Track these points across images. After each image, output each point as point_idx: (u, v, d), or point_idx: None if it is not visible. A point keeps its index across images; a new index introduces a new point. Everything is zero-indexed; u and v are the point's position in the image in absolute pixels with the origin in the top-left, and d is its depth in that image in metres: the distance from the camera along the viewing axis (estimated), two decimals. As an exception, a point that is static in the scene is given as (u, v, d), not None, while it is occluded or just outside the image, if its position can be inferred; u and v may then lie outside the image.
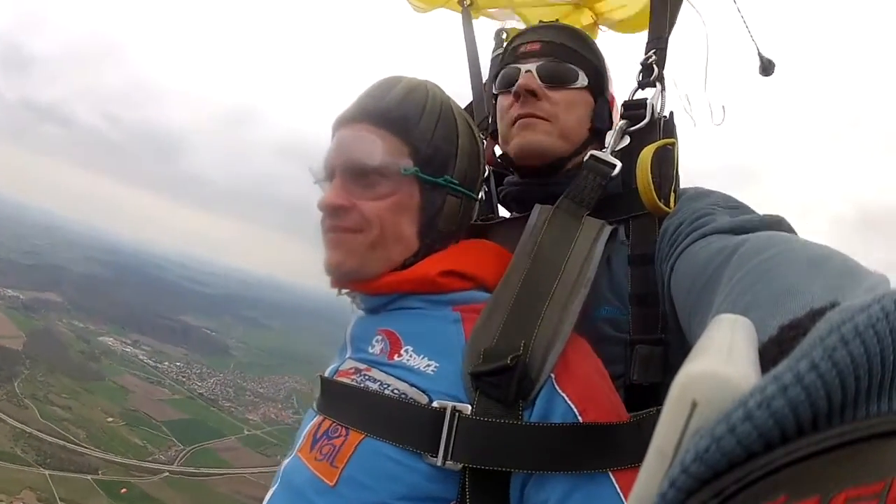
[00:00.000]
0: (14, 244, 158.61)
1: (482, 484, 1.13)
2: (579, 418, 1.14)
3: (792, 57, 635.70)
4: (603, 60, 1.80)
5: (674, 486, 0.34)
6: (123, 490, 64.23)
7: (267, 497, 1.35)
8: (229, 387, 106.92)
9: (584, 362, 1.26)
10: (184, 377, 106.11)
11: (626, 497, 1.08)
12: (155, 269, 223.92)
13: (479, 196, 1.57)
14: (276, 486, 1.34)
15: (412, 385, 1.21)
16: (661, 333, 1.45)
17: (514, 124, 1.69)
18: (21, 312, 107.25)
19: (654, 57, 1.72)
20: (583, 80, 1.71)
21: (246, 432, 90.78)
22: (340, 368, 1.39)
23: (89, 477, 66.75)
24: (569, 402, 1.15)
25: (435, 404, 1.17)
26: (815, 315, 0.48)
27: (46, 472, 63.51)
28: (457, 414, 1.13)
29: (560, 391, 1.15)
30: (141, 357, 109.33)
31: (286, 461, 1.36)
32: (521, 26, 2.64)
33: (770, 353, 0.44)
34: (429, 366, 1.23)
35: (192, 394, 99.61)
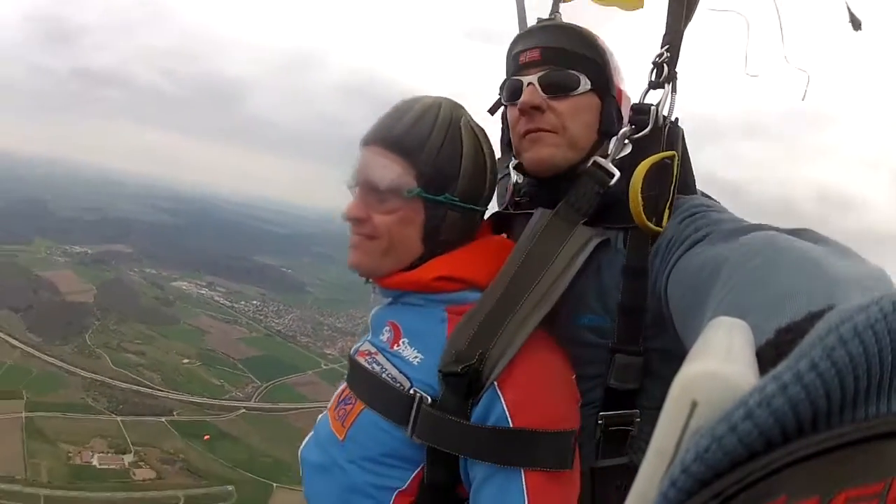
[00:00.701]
0: (79, 203, 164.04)
1: (439, 454, 1.43)
2: (509, 422, 1.37)
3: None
4: (605, 55, 1.74)
5: (675, 485, 0.34)
6: (206, 437, 64.22)
7: (305, 440, 1.72)
8: (307, 322, 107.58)
9: (532, 372, 1.44)
10: (261, 315, 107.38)
11: (529, 493, 1.33)
12: (224, 213, 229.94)
13: (485, 209, 1.72)
14: (310, 434, 1.72)
15: (401, 372, 1.51)
16: (642, 345, 1.55)
17: (522, 138, 1.73)
18: (90, 266, 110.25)
19: (666, 55, 1.68)
20: (585, 83, 1.68)
21: (324, 366, 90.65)
22: (360, 349, 1.69)
23: (163, 419, 67.35)
24: (504, 406, 1.38)
25: (411, 391, 1.46)
26: (813, 318, 0.48)
27: (118, 419, 64.46)
28: (422, 402, 1.42)
29: (500, 396, 1.39)
30: (216, 298, 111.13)
31: (321, 415, 1.73)
32: None
33: (767, 356, 0.44)
34: (416, 357, 1.52)
35: (269, 331, 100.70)
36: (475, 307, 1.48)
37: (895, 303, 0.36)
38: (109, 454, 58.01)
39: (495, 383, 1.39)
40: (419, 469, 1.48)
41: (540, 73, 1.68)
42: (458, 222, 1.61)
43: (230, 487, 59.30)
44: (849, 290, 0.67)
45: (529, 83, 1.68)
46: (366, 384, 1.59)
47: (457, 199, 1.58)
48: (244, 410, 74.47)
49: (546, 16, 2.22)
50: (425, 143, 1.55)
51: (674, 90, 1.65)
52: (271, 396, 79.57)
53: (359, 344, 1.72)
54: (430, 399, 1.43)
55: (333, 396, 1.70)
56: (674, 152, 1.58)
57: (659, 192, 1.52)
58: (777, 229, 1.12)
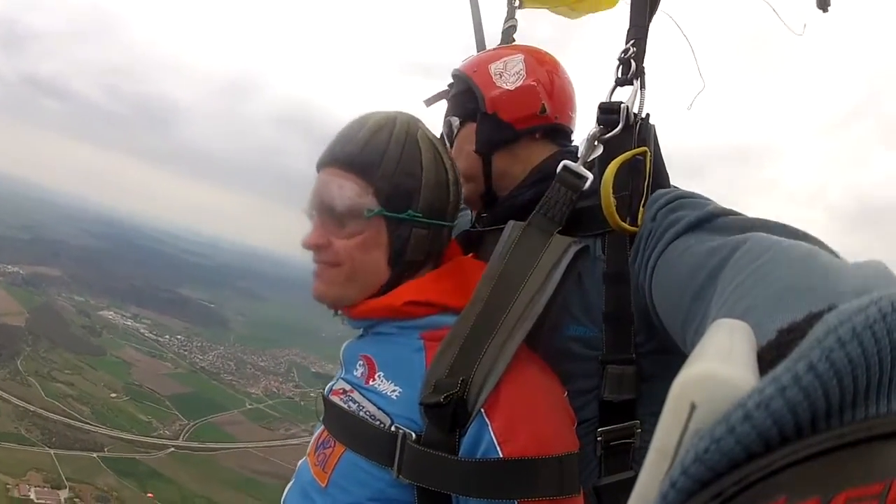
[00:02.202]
0: (12, 220, 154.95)
1: (429, 493, 1.32)
2: (499, 451, 1.27)
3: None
4: (470, 80, 1.80)
5: (674, 487, 0.34)
6: (150, 494, 62.00)
7: (286, 489, 1.59)
8: (230, 360, 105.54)
9: (520, 395, 1.34)
10: (185, 350, 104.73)
11: None
12: (151, 241, 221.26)
13: (453, 224, 1.60)
14: (293, 481, 1.59)
15: (380, 408, 1.40)
16: (633, 352, 1.47)
17: None
18: (22, 288, 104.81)
19: (632, 50, 1.63)
20: (454, 122, 1.84)
21: (248, 406, 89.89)
22: (335, 387, 1.57)
23: (95, 455, 65.23)
24: (493, 435, 1.28)
25: (393, 428, 1.35)
26: (813, 318, 0.48)
27: (52, 452, 61.89)
28: (406, 440, 1.32)
29: (488, 424, 1.29)
30: (142, 331, 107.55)
31: (301, 461, 1.60)
32: None
33: (768, 357, 0.43)
34: (394, 391, 1.41)
35: (193, 367, 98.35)
36: (453, 331, 1.38)
37: (894, 303, 0.36)
38: (46, 489, 55.52)
39: (482, 410, 1.29)
40: None
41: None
42: (425, 240, 1.50)
43: (165, 529, 58.65)
44: (849, 289, 0.66)
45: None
46: (344, 425, 1.47)
47: (420, 214, 1.47)
48: (173, 449, 73.03)
49: (501, 24, 2.31)
50: (382, 158, 1.45)
51: (642, 86, 1.59)
52: (198, 435, 78.15)
53: (332, 383, 1.60)
54: (413, 435, 1.32)
55: (312, 440, 1.58)
56: (645, 149, 1.49)
57: (632, 191, 1.46)
58: (764, 222, 1.10)
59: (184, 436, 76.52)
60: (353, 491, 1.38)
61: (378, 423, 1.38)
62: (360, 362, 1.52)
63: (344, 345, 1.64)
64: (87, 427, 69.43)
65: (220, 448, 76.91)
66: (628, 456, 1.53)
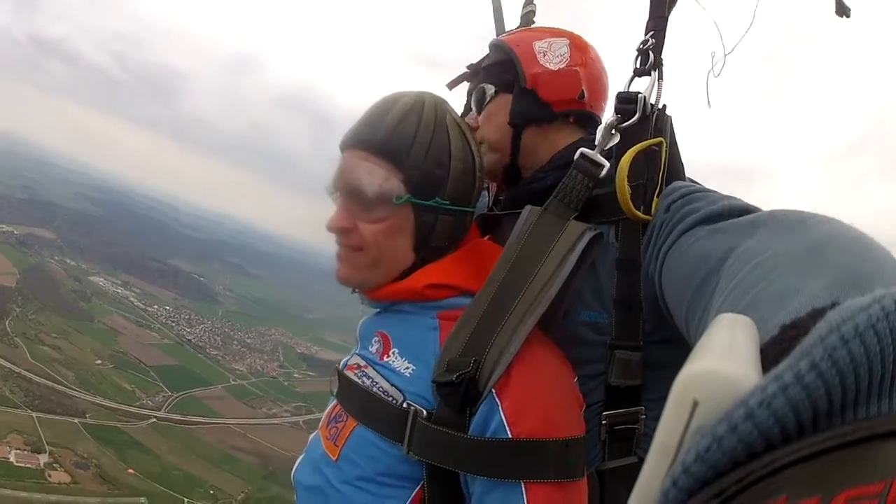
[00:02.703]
0: (10, 179, 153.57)
1: (438, 470, 1.33)
2: (508, 431, 1.27)
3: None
4: (512, 53, 1.77)
5: (676, 485, 0.34)
6: (130, 471, 61.66)
7: (297, 462, 1.59)
8: (217, 335, 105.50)
9: (530, 377, 1.34)
10: (173, 322, 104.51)
11: None
12: (145, 209, 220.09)
13: (474, 208, 1.61)
14: (303, 455, 1.59)
15: (393, 385, 1.41)
16: (641, 339, 1.49)
17: None
18: (16, 248, 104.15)
19: (651, 41, 1.64)
20: (489, 90, 1.80)
21: (232, 381, 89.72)
22: (349, 362, 1.58)
23: (76, 420, 65.15)
24: (503, 415, 1.28)
25: (405, 405, 1.36)
26: (817, 314, 0.47)
27: (34, 415, 61.70)
28: (417, 417, 1.33)
29: (498, 404, 1.29)
30: (131, 299, 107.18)
31: (312, 435, 1.60)
32: None
33: (772, 353, 0.43)
34: (408, 368, 1.41)
35: (180, 340, 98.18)
36: (467, 312, 1.39)
37: None
38: (26, 452, 55.54)
39: (493, 390, 1.29)
40: (419, 487, 1.36)
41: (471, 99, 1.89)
42: (450, 226, 1.51)
43: (143, 500, 58.41)
44: (854, 284, 0.65)
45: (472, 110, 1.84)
46: (357, 400, 1.48)
47: (447, 202, 1.47)
48: (155, 420, 72.87)
49: (519, 9, 2.33)
50: (412, 144, 1.43)
51: (660, 77, 1.61)
52: (180, 407, 78.13)
53: (347, 357, 1.61)
54: (425, 412, 1.32)
55: (324, 414, 1.59)
56: (661, 139, 1.51)
57: (647, 181, 1.46)
58: (773, 213, 1.10)
59: (166, 407, 76.51)
60: (363, 465, 1.39)
61: (391, 399, 1.39)
62: (376, 338, 1.52)
63: (361, 320, 1.64)
64: (70, 392, 69.28)
65: (202, 422, 76.92)
66: (632, 442, 1.54)
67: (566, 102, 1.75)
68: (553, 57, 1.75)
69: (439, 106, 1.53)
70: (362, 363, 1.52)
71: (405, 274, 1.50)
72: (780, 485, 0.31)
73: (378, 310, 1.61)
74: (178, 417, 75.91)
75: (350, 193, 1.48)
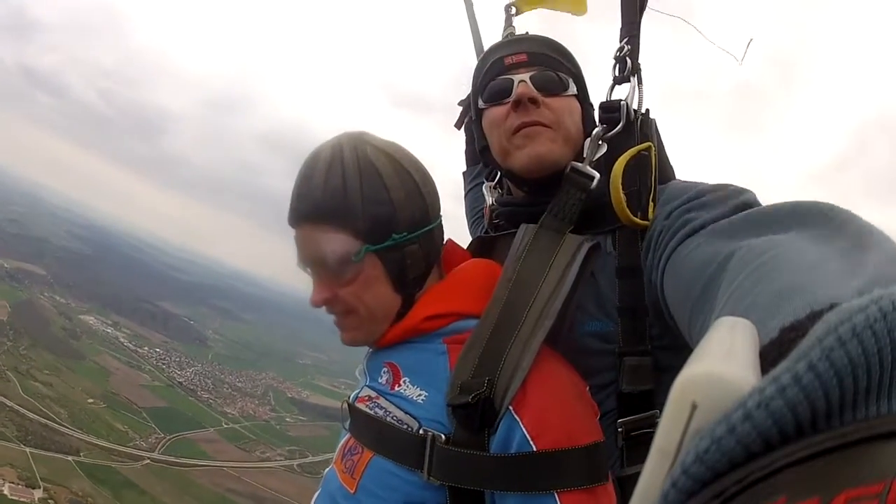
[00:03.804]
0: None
1: (461, 494, 1.31)
2: (532, 446, 1.26)
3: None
4: (580, 68, 1.74)
5: (675, 486, 0.34)
6: None
7: (314, 498, 1.57)
8: (207, 378, 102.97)
9: (546, 390, 1.34)
10: (163, 364, 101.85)
11: None
12: (132, 249, 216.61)
13: (439, 221, 1.56)
14: (319, 490, 1.57)
15: (407, 413, 1.38)
16: (649, 344, 1.47)
17: (514, 134, 1.61)
18: (6, 281, 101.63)
19: (626, 48, 1.64)
20: (572, 88, 1.66)
21: (224, 425, 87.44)
22: (360, 395, 1.54)
23: (70, 458, 62.59)
24: (524, 430, 1.27)
25: (421, 431, 1.33)
26: (815, 316, 0.47)
27: (28, 450, 59.18)
28: (435, 441, 1.30)
29: (518, 420, 1.28)
30: (121, 339, 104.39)
31: (327, 470, 1.58)
32: None
33: (771, 355, 0.43)
34: (420, 395, 1.39)
35: (171, 382, 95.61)
36: (475, 333, 1.39)
37: (894, 302, 0.35)
38: (20, 486, 52.86)
39: (511, 408, 1.29)
40: None
41: (531, 73, 1.63)
42: (419, 253, 1.49)
43: (141, 542, 55.50)
44: (853, 285, 0.64)
45: (521, 80, 1.62)
46: (371, 431, 1.46)
47: (404, 233, 1.45)
48: (149, 461, 70.57)
49: (499, 33, 2.30)
50: (344, 196, 1.41)
51: (640, 82, 1.61)
52: (173, 449, 75.64)
53: (356, 391, 1.60)
54: (443, 437, 1.31)
55: (337, 449, 1.57)
56: (649, 143, 1.51)
57: (640, 186, 1.47)
58: (779, 208, 1.09)
59: (160, 449, 74.12)
60: (383, 496, 1.36)
61: (406, 427, 1.37)
62: (385, 369, 1.50)
63: (366, 355, 1.63)
64: (63, 430, 66.86)
65: (196, 465, 74.46)
66: (649, 446, 1.50)
67: None
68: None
69: (358, 144, 1.46)
70: (373, 394, 1.49)
71: (402, 314, 1.50)
72: (779, 486, 0.31)
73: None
74: (173, 459, 73.27)
75: (315, 266, 1.48)
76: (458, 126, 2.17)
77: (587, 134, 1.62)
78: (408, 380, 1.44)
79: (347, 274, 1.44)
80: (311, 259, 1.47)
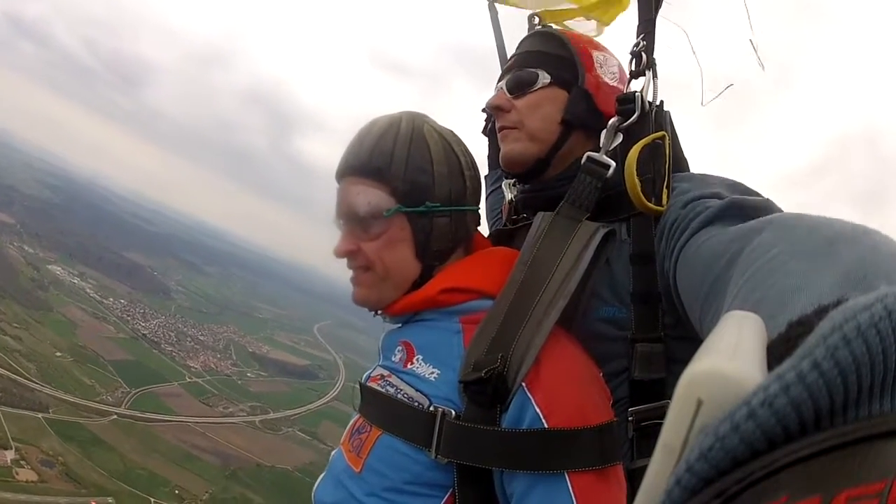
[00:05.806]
0: None
1: (469, 473, 1.27)
2: (544, 423, 1.22)
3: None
4: (574, 51, 1.70)
5: (679, 483, 0.33)
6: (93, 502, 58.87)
7: (318, 480, 1.54)
8: (171, 330, 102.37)
9: (559, 369, 1.31)
10: (128, 316, 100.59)
11: (576, 496, 1.19)
12: (102, 200, 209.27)
13: (476, 208, 1.59)
14: (325, 472, 1.54)
15: (418, 390, 1.35)
16: (661, 331, 1.46)
17: (501, 141, 1.72)
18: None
19: (642, 43, 1.64)
20: (543, 78, 1.67)
21: (188, 379, 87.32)
22: (372, 374, 1.54)
23: (40, 416, 61.89)
24: (536, 407, 1.23)
25: (431, 408, 1.30)
26: (822, 311, 0.45)
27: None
28: (445, 418, 1.27)
29: (530, 397, 1.24)
30: (87, 290, 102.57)
31: (334, 451, 1.56)
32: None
33: (778, 350, 0.41)
34: (433, 373, 1.36)
35: (136, 334, 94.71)
36: (489, 314, 1.37)
37: None
38: (-8, 448, 52.24)
39: (524, 384, 1.25)
40: (448, 495, 1.29)
41: (508, 77, 1.70)
42: (447, 227, 1.50)
43: (110, 500, 55.93)
44: (862, 281, 0.64)
45: (500, 87, 1.71)
46: (381, 408, 1.43)
47: (438, 204, 1.47)
48: (116, 417, 70.21)
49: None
50: (391, 158, 1.45)
51: (654, 75, 1.62)
52: (139, 404, 75.38)
53: (369, 371, 1.57)
54: (453, 413, 1.27)
55: (346, 429, 1.53)
56: (664, 133, 1.50)
57: (654, 173, 1.46)
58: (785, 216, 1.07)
59: (126, 404, 73.76)
60: (389, 475, 1.32)
61: (416, 404, 1.33)
62: (399, 348, 1.49)
63: (383, 334, 1.61)
64: (32, 385, 65.82)
65: (162, 420, 74.48)
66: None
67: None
68: (608, 70, 1.72)
69: (416, 120, 1.53)
70: (385, 373, 1.47)
71: (418, 284, 1.50)
72: (781, 484, 0.30)
73: (399, 325, 1.59)
74: (139, 415, 73.09)
75: (348, 218, 1.50)
76: (484, 132, 2.28)
77: (566, 120, 1.65)
78: (421, 357, 1.41)
79: (375, 228, 1.46)
80: (346, 209, 1.49)
